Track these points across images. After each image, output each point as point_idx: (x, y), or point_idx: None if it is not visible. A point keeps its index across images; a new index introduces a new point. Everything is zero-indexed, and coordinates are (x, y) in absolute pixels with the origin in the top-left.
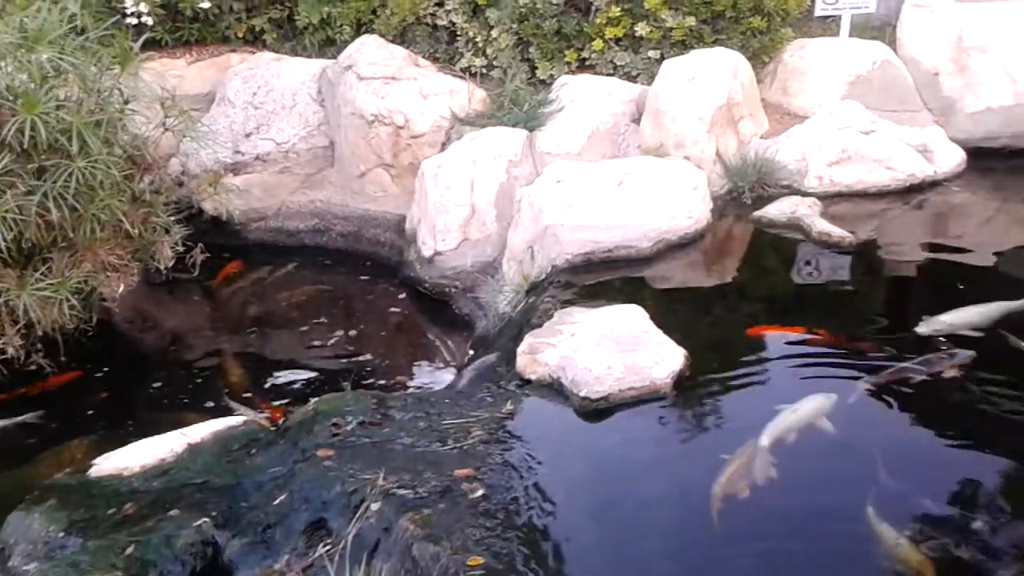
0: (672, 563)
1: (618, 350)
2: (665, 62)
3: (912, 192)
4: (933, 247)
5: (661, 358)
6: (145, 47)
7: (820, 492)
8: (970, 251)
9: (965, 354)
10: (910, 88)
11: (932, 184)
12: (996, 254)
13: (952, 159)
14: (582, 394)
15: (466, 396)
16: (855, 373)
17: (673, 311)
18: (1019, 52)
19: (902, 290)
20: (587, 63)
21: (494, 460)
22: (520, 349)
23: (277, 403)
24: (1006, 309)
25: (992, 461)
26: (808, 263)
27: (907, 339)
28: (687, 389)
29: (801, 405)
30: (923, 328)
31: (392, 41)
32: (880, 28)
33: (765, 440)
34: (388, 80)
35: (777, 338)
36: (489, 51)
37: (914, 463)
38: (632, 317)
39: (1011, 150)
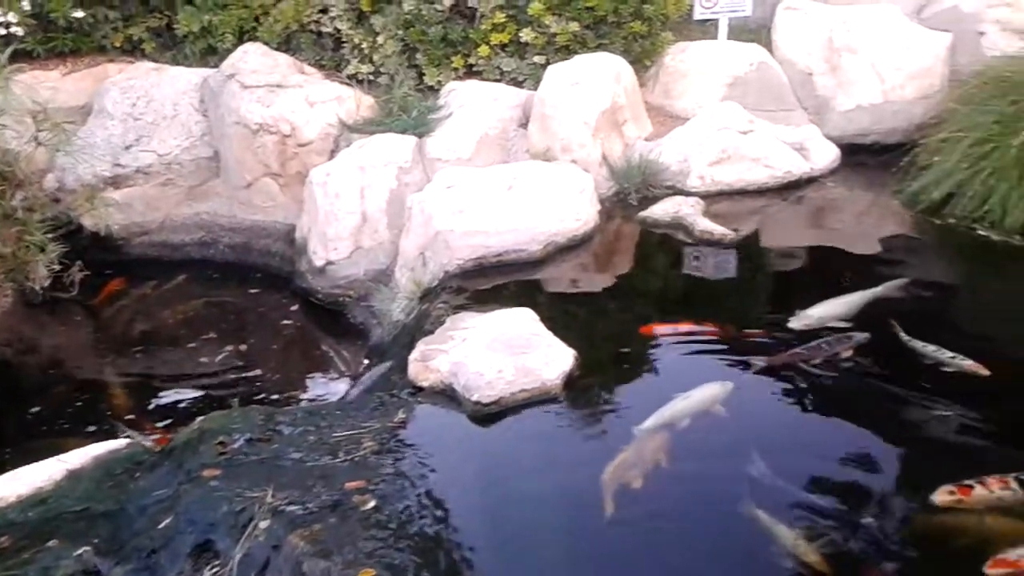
0: (565, 559)
1: (509, 353)
2: (550, 67)
3: (790, 188)
4: (811, 241)
5: (551, 359)
6: (15, 58)
7: (708, 479)
8: (846, 243)
9: (860, 336)
10: (786, 88)
11: (809, 180)
12: (870, 245)
13: (827, 156)
14: (474, 399)
15: (358, 407)
16: (746, 362)
17: (564, 312)
18: (885, 52)
19: (784, 283)
20: (474, 69)
21: (386, 470)
22: (412, 356)
23: (163, 424)
24: (868, 297)
25: (880, 451)
26: (692, 260)
27: (790, 329)
28: (578, 388)
29: (693, 393)
30: (795, 323)
31: (276, 49)
32: (757, 31)
33: (649, 423)
34: (273, 88)
35: (667, 333)
36: (376, 58)
37: (803, 452)
38: (523, 320)
39: (881, 145)
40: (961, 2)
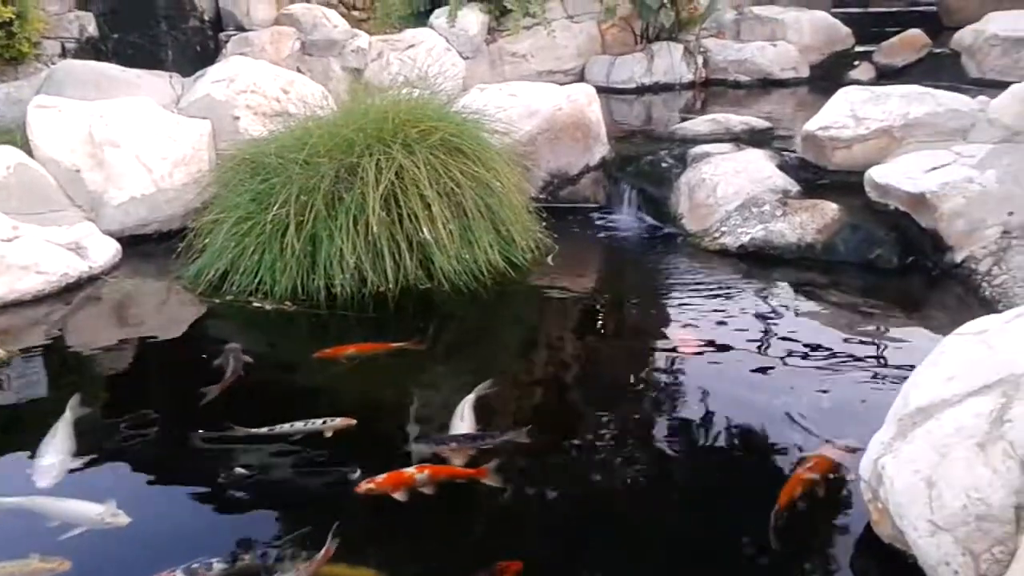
0: None
1: None
2: None
3: (72, 291)
4: (94, 345)
5: None
6: None
7: None
8: (132, 336)
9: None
10: (53, 188)
11: (91, 279)
12: (159, 336)
13: (107, 252)
14: None
15: None
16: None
17: None
18: (148, 143)
19: (63, 398)
20: None
21: None
22: None
23: None
24: (67, 424)
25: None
26: None
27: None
28: None
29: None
30: (40, 483)
31: None
32: (12, 132)
33: None
34: None
35: None
36: None
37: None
38: None
39: (163, 233)
40: (213, 90)
